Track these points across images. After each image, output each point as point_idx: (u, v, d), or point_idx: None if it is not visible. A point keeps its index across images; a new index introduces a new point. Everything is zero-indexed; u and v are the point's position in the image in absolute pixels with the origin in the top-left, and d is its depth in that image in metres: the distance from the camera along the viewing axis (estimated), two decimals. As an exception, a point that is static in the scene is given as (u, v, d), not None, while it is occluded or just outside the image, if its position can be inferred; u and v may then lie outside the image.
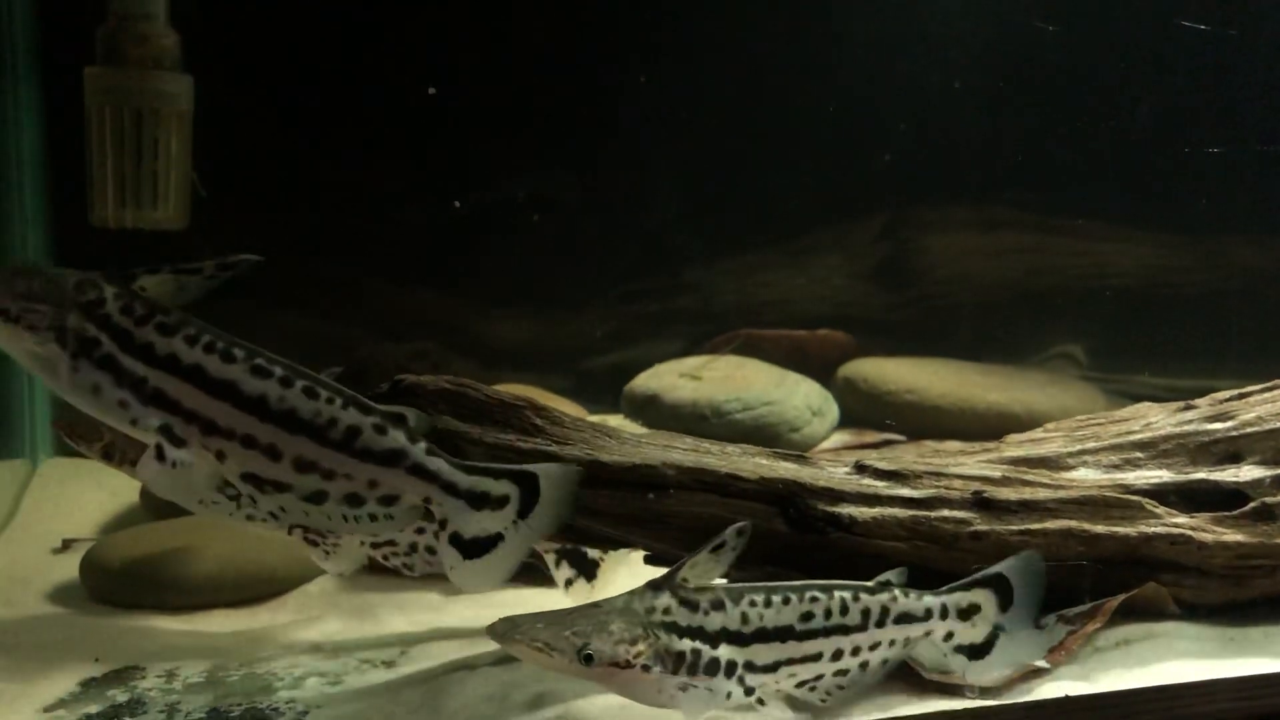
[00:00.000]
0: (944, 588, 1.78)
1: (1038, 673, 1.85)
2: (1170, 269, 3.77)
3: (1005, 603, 1.79)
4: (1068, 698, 1.75)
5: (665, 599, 1.63)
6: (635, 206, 3.53)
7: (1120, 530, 1.98)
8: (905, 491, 1.93)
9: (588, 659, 1.56)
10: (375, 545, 2.14)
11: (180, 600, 2.22)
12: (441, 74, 3.15)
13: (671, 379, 3.21)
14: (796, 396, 3.10)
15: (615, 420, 3.23)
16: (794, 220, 3.67)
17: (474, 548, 1.71)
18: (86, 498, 2.81)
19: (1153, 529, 1.99)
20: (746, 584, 1.69)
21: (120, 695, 1.88)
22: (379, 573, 2.37)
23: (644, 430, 2.02)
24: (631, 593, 1.65)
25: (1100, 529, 1.97)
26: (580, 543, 1.94)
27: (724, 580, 1.74)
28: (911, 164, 3.54)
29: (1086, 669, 1.90)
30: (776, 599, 1.67)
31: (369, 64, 3.11)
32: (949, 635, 1.77)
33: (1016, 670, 1.83)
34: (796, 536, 1.86)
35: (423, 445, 1.69)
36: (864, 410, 3.33)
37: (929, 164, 3.55)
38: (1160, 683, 1.85)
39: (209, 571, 2.24)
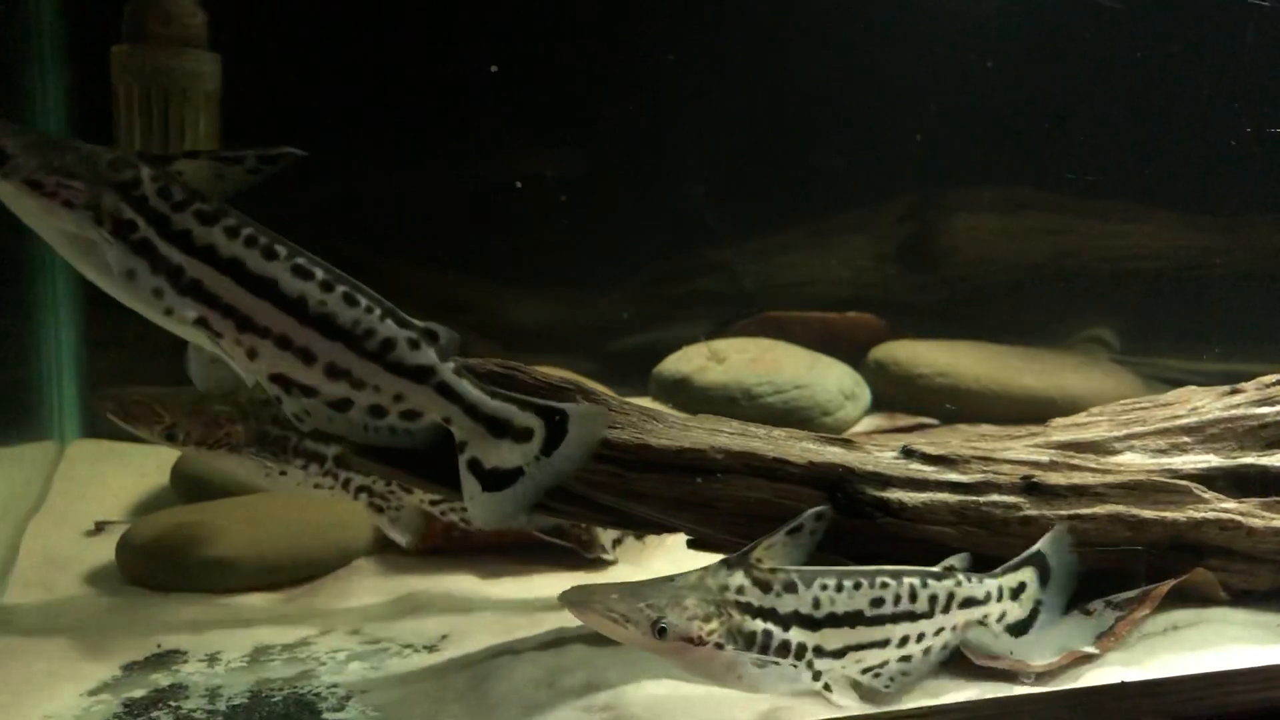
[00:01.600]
0: (997, 569, 1.79)
1: (1087, 658, 1.84)
2: (1201, 251, 3.74)
3: (1044, 578, 1.82)
4: (1124, 684, 1.74)
5: (739, 578, 1.61)
6: (662, 187, 3.50)
7: (1169, 515, 1.96)
8: (954, 476, 1.91)
9: (661, 632, 1.54)
10: (433, 503, 2.13)
11: (218, 583, 2.21)
12: (469, 52, 3.13)
13: (700, 361, 3.19)
14: (828, 380, 3.09)
15: (645, 403, 3.21)
16: (821, 201, 3.65)
17: (493, 479, 1.66)
18: (115, 479, 2.79)
19: (1201, 514, 1.97)
20: (818, 567, 1.67)
21: (163, 679, 1.87)
22: (415, 555, 2.38)
23: (684, 414, 1.99)
24: (705, 569, 1.63)
25: (1148, 514, 1.95)
26: (626, 527, 1.93)
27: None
28: (939, 144, 3.51)
29: (1135, 655, 1.88)
30: (848, 584, 1.66)
31: (393, 40, 3.08)
32: (1003, 615, 1.78)
33: (1067, 655, 1.82)
34: (845, 521, 1.84)
35: (451, 364, 1.65)
36: (896, 393, 3.31)
37: (956, 144, 3.52)
38: (1210, 668, 1.84)
39: (247, 554, 2.23)
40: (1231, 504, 2.00)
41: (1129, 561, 1.91)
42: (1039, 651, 1.80)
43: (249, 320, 1.58)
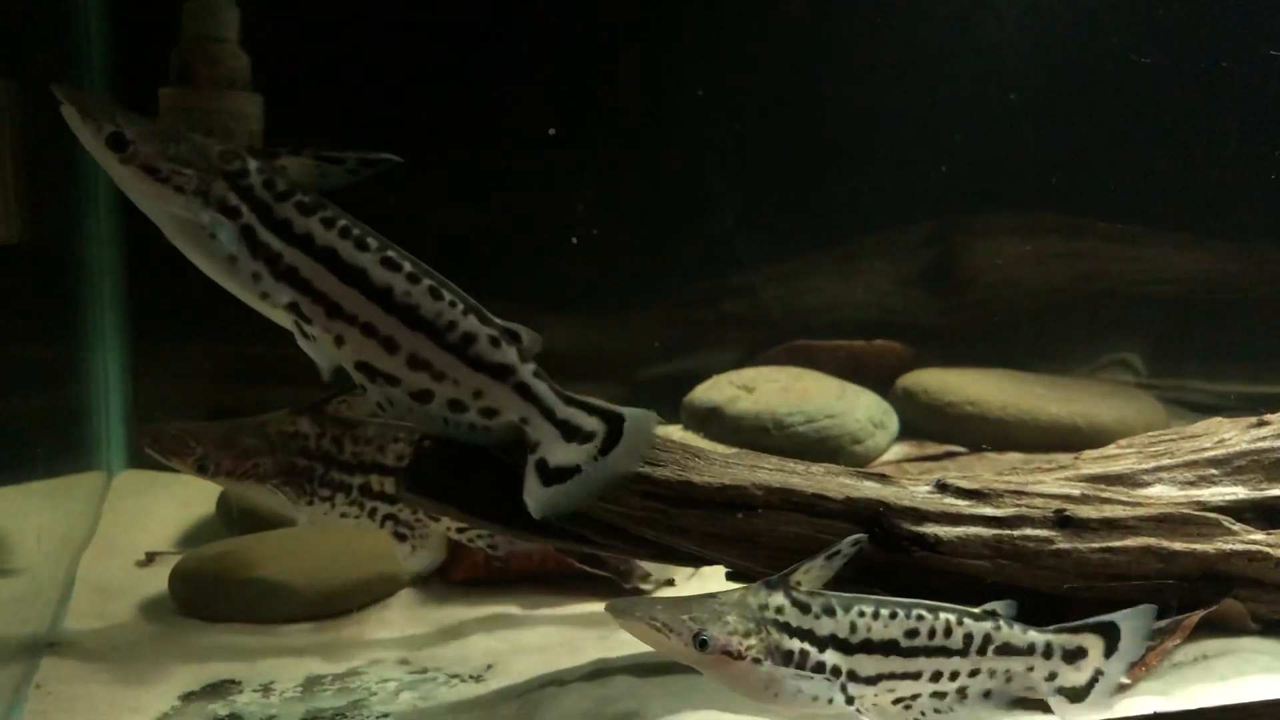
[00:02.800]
0: (1053, 627, 1.77)
1: (1120, 688, 1.87)
2: (1225, 274, 3.78)
3: (1110, 649, 1.79)
4: (1157, 715, 1.78)
5: (779, 598, 1.67)
6: (690, 215, 3.56)
7: (1198, 547, 2.00)
8: (988, 510, 1.95)
9: (702, 644, 1.60)
10: (460, 530, 2.19)
11: (269, 613, 2.27)
12: (496, 81, 3.20)
13: (731, 391, 3.24)
14: (858, 409, 3.13)
15: (675, 431, 3.26)
16: (846, 227, 3.69)
17: (555, 476, 1.73)
18: (162, 510, 2.86)
19: (1230, 546, 2.01)
20: (856, 594, 1.72)
21: (220, 709, 1.94)
22: (458, 585, 2.44)
23: (727, 449, 2.05)
24: (746, 589, 1.69)
25: (1178, 546, 1.99)
26: (670, 561, 1.98)
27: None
28: (962, 170, 3.56)
29: (1167, 684, 1.92)
30: (885, 612, 1.70)
31: (427, 73, 3.15)
32: (1052, 675, 1.77)
33: (1100, 686, 1.86)
34: (882, 555, 1.89)
35: (531, 366, 1.73)
36: (924, 421, 3.34)
37: (980, 170, 3.57)
38: (1239, 698, 1.88)
39: (296, 584, 2.29)
40: (1259, 535, 2.04)
41: (1160, 593, 1.95)
42: (1088, 712, 1.79)
43: (338, 307, 1.66)
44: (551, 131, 2.90)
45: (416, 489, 1.84)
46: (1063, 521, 1.96)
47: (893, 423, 3.25)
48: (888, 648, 1.70)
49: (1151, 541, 1.98)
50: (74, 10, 2.91)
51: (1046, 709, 1.80)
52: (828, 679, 1.66)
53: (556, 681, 1.97)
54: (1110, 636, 1.78)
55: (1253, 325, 3.72)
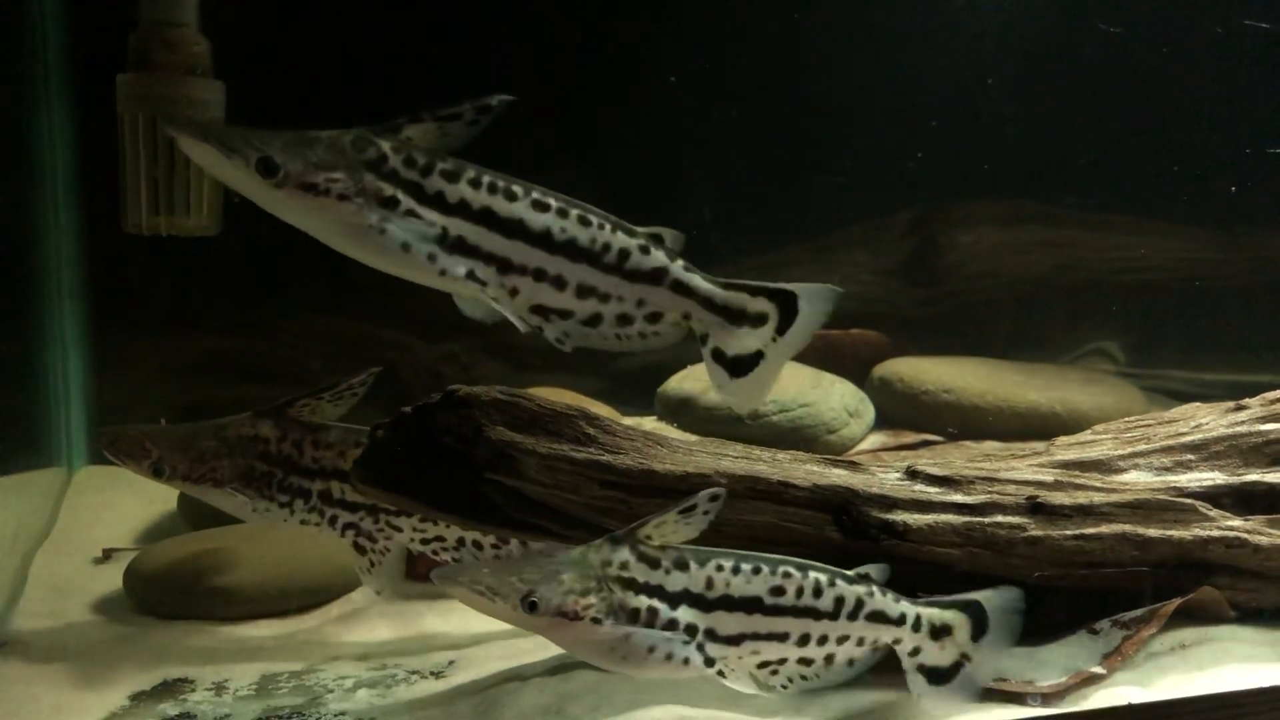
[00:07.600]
0: (923, 600, 1.70)
1: (1094, 679, 1.83)
2: (1204, 263, 3.75)
3: (978, 633, 1.71)
4: (1131, 706, 1.73)
5: (624, 553, 1.58)
6: (665, 206, 3.51)
7: (1174, 534, 1.96)
8: (958, 497, 1.91)
9: (531, 606, 1.52)
10: (424, 542, 2.12)
11: (227, 610, 2.22)
12: (468, 68, 3.15)
13: (706, 381, 3.19)
14: (833, 398, 3.08)
15: (649, 422, 3.21)
16: (823, 218, 3.66)
17: (739, 366, 1.76)
18: (123, 506, 2.80)
19: (1207, 532, 1.97)
20: (716, 549, 1.64)
21: (171, 709, 1.89)
22: (423, 580, 2.38)
23: (692, 437, 2.00)
24: (588, 545, 1.60)
25: (1154, 533, 1.95)
26: (632, 552, 1.92)
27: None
28: (940, 160, 3.53)
29: (1143, 674, 1.88)
30: (746, 567, 1.61)
31: (390, 61, 3.10)
32: (916, 650, 1.69)
33: (1074, 676, 1.82)
34: (850, 544, 1.84)
35: (681, 263, 1.75)
36: (900, 410, 3.31)
37: (957, 159, 3.54)
38: (1219, 687, 1.84)
39: (255, 580, 2.24)
40: (1238, 522, 2.00)
41: (1135, 580, 1.91)
42: (951, 699, 1.72)
43: (508, 263, 1.68)
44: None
45: (369, 480, 1.79)
46: (1035, 508, 1.91)
47: (868, 412, 3.21)
48: (750, 605, 1.61)
49: (1127, 528, 1.94)
50: (28, -6, 2.85)
51: (1005, 698, 1.75)
52: (683, 638, 1.57)
53: (518, 677, 1.93)
54: (977, 616, 1.70)
55: (1233, 313, 3.70)
